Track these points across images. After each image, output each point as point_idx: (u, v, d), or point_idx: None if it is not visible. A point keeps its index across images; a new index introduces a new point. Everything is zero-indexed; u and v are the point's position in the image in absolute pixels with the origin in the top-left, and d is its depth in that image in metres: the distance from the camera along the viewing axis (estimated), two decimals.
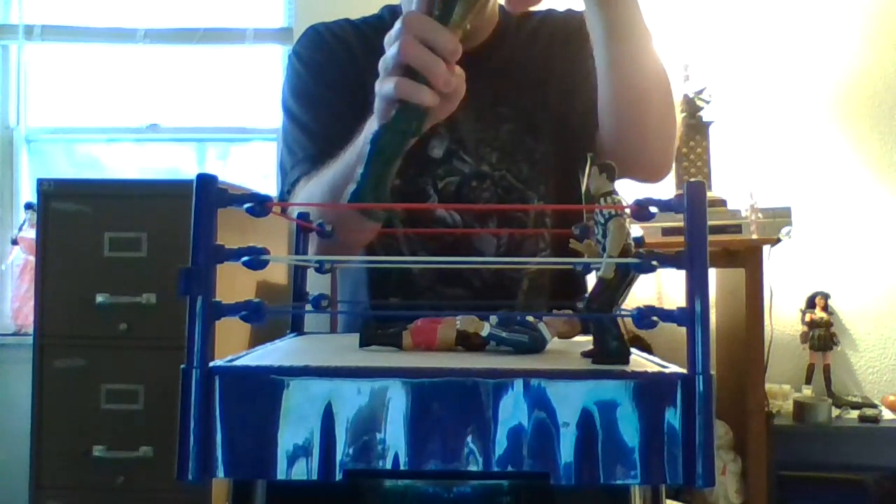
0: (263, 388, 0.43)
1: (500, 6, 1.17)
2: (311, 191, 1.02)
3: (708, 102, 2.25)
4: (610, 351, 0.48)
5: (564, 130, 1.12)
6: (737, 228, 2.03)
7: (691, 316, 0.42)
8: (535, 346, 0.54)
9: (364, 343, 0.58)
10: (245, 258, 0.46)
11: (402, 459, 0.42)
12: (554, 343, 0.57)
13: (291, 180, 1.09)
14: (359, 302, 1.13)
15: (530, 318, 0.54)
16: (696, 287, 0.42)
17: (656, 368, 0.45)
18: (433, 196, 1.09)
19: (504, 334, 0.53)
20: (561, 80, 1.13)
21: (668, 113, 1.04)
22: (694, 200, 0.43)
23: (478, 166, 1.10)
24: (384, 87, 0.75)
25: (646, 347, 1.98)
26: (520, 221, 1.12)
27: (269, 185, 2.75)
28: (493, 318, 0.54)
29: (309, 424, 0.42)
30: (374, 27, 1.16)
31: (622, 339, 0.48)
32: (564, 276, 1.14)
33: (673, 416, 0.42)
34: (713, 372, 0.42)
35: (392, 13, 1.17)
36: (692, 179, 0.43)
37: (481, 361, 0.49)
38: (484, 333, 0.53)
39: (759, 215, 2.07)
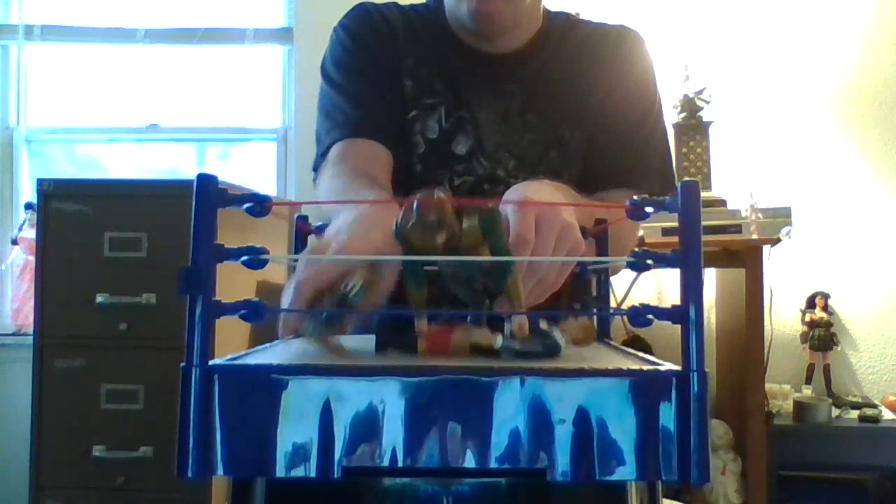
0: (263, 387, 0.43)
1: (546, 9, 1.15)
2: (326, 188, 1.02)
3: (708, 102, 2.25)
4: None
5: (591, 152, 1.11)
6: (737, 228, 2.03)
7: (685, 314, 0.42)
8: (549, 354, 0.53)
9: (379, 347, 0.58)
10: (245, 258, 0.47)
11: (400, 457, 0.42)
12: (568, 350, 0.57)
13: (327, 144, 1.08)
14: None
15: (544, 325, 0.54)
16: (691, 285, 0.42)
17: (651, 366, 0.46)
18: (448, 191, 1.09)
19: (517, 345, 0.53)
20: (594, 97, 1.11)
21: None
22: (688, 200, 0.43)
23: (493, 170, 1.09)
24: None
25: (645, 347, 1.98)
26: None
27: (269, 186, 2.75)
28: (508, 327, 0.54)
29: (308, 423, 0.43)
30: (419, 13, 1.16)
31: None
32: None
33: (668, 413, 0.42)
34: (709, 370, 0.42)
35: (437, 2, 1.16)
36: (688, 179, 0.43)
37: (481, 361, 0.49)
38: (497, 345, 0.53)
39: (759, 215, 2.07)
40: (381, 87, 1.10)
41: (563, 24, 1.16)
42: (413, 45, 1.12)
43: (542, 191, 0.73)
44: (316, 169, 1.11)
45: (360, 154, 1.04)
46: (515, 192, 0.72)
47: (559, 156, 1.10)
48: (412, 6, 1.19)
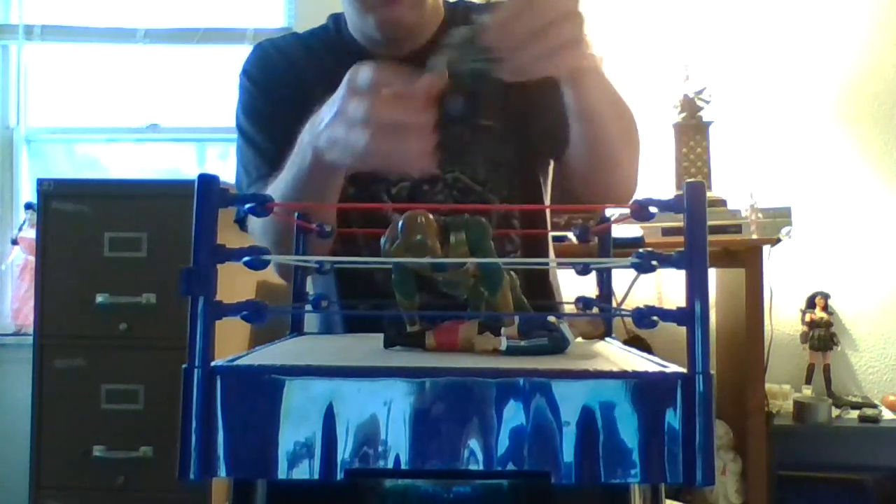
0: (265, 388, 0.43)
1: (446, 2, 1.17)
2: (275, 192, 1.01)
3: (708, 102, 2.25)
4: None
5: (530, 134, 1.11)
6: (737, 228, 2.03)
7: (691, 316, 0.42)
8: (557, 348, 0.53)
9: (388, 344, 0.58)
10: (246, 258, 0.46)
11: (404, 459, 0.42)
12: (577, 344, 0.57)
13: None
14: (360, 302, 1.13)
15: (552, 319, 0.54)
16: (696, 287, 0.42)
17: (656, 368, 0.45)
18: (387, 201, 1.09)
19: (523, 343, 0.53)
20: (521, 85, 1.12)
21: (633, 150, 1.05)
22: (693, 200, 0.43)
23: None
24: (353, 137, 0.74)
25: (646, 347, 1.98)
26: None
27: None
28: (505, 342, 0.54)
29: (310, 424, 0.42)
30: (320, 38, 1.17)
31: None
32: (533, 277, 1.13)
33: (673, 416, 0.42)
34: (713, 372, 0.42)
35: (336, 22, 1.17)
36: (692, 179, 0.43)
37: (485, 361, 0.49)
38: (503, 348, 0.53)
39: (759, 215, 2.07)
40: (292, 125, 1.04)
41: (462, 12, 1.16)
42: (318, 72, 1.11)
43: None
44: (238, 221, 1.10)
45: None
46: None
47: (489, 141, 1.11)
48: (311, 32, 1.20)
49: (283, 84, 1.13)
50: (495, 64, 0.72)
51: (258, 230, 1.04)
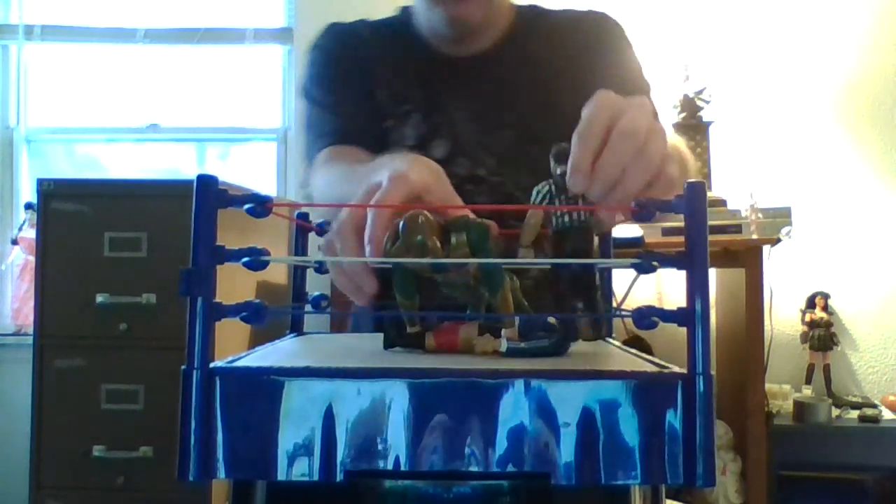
0: (264, 389, 0.43)
1: (512, 3, 1.16)
2: (325, 177, 1.02)
3: (708, 102, 2.25)
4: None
5: None
6: (737, 228, 2.03)
7: (692, 316, 0.42)
8: (557, 349, 0.53)
9: (388, 345, 0.58)
10: (246, 259, 0.46)
11: (403, 460, 0.42)
12: (578, 344, 0.56)
13: (314, 153, 1.09)
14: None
15: (552, 320, 0.54)
16: (697, 287, 0.42)
17: (656, 369, 0.45)
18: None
19: (523, 345, 0.53)
20: (572, 87, 1.05)
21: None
22: (694, 201, 0.43)
23: (474, 170, 1.09)
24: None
25: (646, 348, 1.98)
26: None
27: (268, 186, 2.75)
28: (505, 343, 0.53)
29: (310, 425, 0.42)
30: (389, 27, 1.18)
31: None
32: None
33: (673, 417, 0.42)
34: (713, 372, 0.42)
35: (406, 14, 1.18)
36: (692, 179, 0.43)
37: (484, 362, 0.49)
38: (503, 349, 0.53)
39: (759, 215, 2.07)
40: (357, 99, 1.12)
41: (532, 17, 1.16)
42: (384, 57, 1.15)
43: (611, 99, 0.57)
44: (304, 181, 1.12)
45: (347, 154, 1.05)
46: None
47: (540, 151, 1.10)
48: (381, 20, 1.21)
49: (349, 59, 1.15)
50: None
51: (322, 185, 1.01)
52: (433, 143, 1.10)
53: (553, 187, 0.58)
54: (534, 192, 0.61)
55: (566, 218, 0.55)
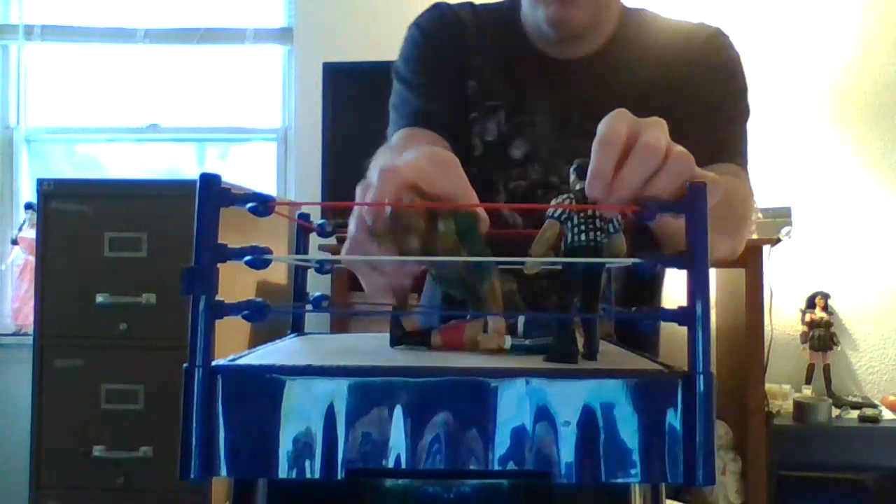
0: (266, 388, 0.43)
1: (623, 7, 1.12)
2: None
3: None
4: (556, 351, 0.49)
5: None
6: None
7: (692, 316, 0.42)
8: (568, 356, 0.53)
9: (394, 343, 0.58)
10: (248, 258, 0.46)
11: (404, 459, 0.42)
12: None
13: (391, 133, 1.09)
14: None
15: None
16: (698, 287, 0.42)
17: (657, 368, 0.45)
18: (501, 194, 1.09)
19: (527, 342, 0.53)
20: (664, 103, 0.96)
21: (744, 238, 1.00)
22: (695, 201, 0.43)
23: (547, 176, 1.08)
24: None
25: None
26: None
27: (268, 186, 2.75)
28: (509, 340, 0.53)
29: (311, 424, 0.42)
30: (493, 14, 1.16)
31: (569, 341, 0.49)
32: (634, 283, 1.07)
33: (673, 416, 0.42)
34: (713, 371, 0.42)
35: (512, 4, 1.14)
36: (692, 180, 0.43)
37: (488, 360, 0.49)
38: (507, 346, 0.53)
39: (759, 215, 2.07)
40: (446, 84, 1.10)
41: (637, 24, 1.11)
42: (482, 46, 1.12)
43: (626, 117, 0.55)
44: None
45: (420, 139, 1.02)
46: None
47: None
48: (487, 5, 1.18)
49: (446, 43, 1.13)
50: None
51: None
52: (513, 143, 1.08)
53: (573, 202, 0.57)
54: (550, 209, 0.58)
55: (582, 237, 0.55)
